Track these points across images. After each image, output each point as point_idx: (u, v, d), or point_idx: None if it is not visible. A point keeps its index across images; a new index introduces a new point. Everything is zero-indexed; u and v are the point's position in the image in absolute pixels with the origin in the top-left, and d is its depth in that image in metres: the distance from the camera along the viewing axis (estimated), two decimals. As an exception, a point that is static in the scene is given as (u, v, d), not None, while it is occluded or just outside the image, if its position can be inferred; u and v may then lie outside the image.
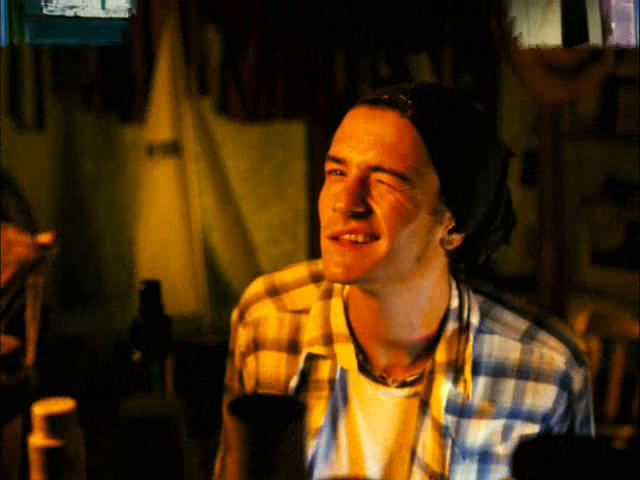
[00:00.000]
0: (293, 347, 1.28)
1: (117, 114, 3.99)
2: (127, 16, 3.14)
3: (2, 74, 3.70)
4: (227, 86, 4.06)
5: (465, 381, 1.20)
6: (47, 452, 0.97)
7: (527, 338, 1.22)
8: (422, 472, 1.21)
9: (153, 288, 0.92)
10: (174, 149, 3.85)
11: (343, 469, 1.25)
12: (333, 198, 1.13)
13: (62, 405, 0.99)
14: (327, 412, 1.24)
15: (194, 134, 3.98)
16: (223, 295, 4.21)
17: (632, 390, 2.90)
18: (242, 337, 1.32)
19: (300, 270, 1.32)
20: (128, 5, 3.05)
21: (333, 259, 1.13)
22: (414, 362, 1.23)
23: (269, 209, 4.45)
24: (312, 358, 1.25)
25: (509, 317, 1.24)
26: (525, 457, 0.65)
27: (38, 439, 0.98)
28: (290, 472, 0.71)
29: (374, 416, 1.24)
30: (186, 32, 3.89)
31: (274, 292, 1.31)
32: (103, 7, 3.00)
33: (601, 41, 2.92)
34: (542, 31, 2.92)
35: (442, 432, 1.20)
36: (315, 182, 4.37)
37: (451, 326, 1.21)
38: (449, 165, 1.12)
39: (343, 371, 1.24)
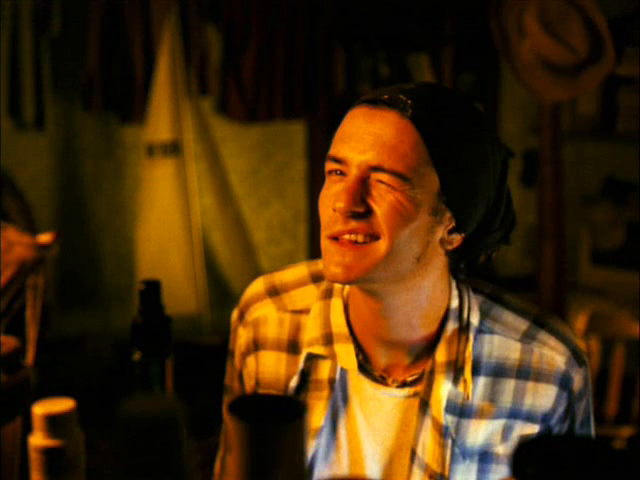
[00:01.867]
0: (293, 347, 1.28)
1: (117, 114, 3.99)
2: None
3: (2, 74, 3.70)
4: (227, 86, 4.06)
5: (465, 381, 1.20)
6: (47, 452, 0.97)
7: (527, 338, 1.22)
8: (422, 472, 1.21)
9: (153, 288, 0.92)
10: (174, 149, 3.85)
11: (343, 469, 1.25)
12: (333, 198, 1.13)
13: (62, 405, 0.99)
14: (327, 412, 1.24)
15: (194, 134, 3.99)
16: (223, 295, 4.21)
17: (632, 390, 2.90)
18: (242, 337, 1.32)
19: (300, 270, 1.32)
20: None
21: (333, 259, 1.13)
22: (414, 362, 1.23)
23: (269, 209, 4.45)
24: (312, 358, 1.25)
25: (509, 317, 1.24)
26: (525, 457, 0.65)
27: (38, 439, 0.98)
28: (290, 472, 0.71)
29: (374, 416, 1.24)
30: (186, 32, 3.89)
31: (274, 292, 1.31)
32: None
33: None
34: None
35: (442, 432, 1.20)
36: (315, 182, 4.37)
37: (451, 326, 1.21)
38: (449, 165, 1.12)
39: (343, 371, 1.24)
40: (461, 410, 1.21)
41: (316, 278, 1.30)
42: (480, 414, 1.21)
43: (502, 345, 1.22)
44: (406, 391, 1.23)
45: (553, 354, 1.22)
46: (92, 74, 3.85)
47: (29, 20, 3.76)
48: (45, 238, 1.71)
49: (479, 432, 1.21)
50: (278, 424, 0.70)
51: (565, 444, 0.68)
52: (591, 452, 0.65)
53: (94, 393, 3.58)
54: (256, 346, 1.30)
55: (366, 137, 1.12)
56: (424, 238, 1.13)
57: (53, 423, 0.97)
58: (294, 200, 4.48)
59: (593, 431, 1.28)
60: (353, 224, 1.12)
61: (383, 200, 1.11)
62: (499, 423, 1.21)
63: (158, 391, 0.90)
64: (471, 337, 1.21)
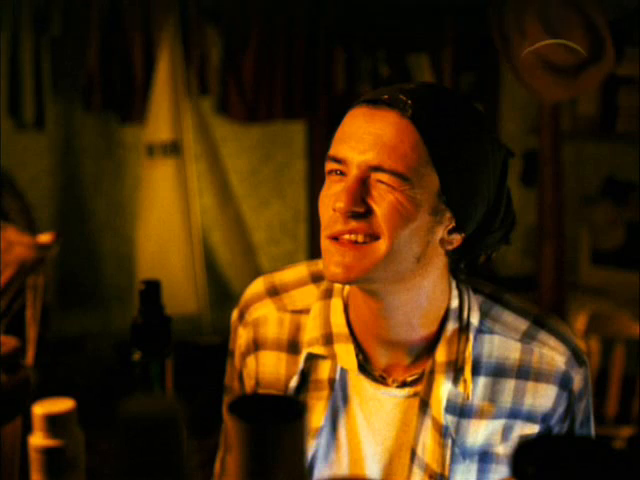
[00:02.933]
0: (293, 347, 1.28)
1: (117, 114, 3.99)
2: None
3: (2, 74, 3.70)
4: (227, 86, 4.06)
5: (465, 381, 1.20)
6: (47, 452, 0.97)
7: (527, 338, 1.22)
8: (422, 472, 1.21)
9: (153, 288, 0.92)
10: (174, 149, 3.85)
11: (343, 469, 1.25)
12: (333, 198, 1.13)
13: (62, 405, 0.99)
14: (327, 412, 1.24)
15: (194, 134, 3.99)
16: (223, 295, 4.21)
17: (632, 390, 2.90)
18: (242, 337, 1.32)
19: (300, 270, 1.32)
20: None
21: (333, 259, 1.13)
22: (414, 362, 1.23)
23: (269, 209, 4.45)
24: (312, 358, 1.25)
25: (509, 317, 1.24)
26: (525, 457, 0.65)
27: (38, 439, 0.98)
28: (290, 472, 0.71)
29: (374, 416, 1.24)
30: (186, 32, 3.89)
31: (274, 292, 1.31)
32: None
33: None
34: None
35: (442, 432, 1.20)
36: (315, 182, 4.37)
37: (451, 326, 1.21)
38: (449, 165, 1.12)
39: (343, 371, 1.24)
40: (461, 410, 1.21)
41: (316, 278, 1.30)
42: (480, 414, 1.21)
43: (502, 345, 1.22)
44: (406, 391, 1.23)
45: (553, 354, 1.22)
46: (92, 74, 3.85)
47: (29, 20, 3.76)
48: (45, 238, 1.71)
49: (479, 432, 1.21)
50: (278, 424, 0.70)
51: (565, 444, 0.68)
52: (591, 452, 0.65)
53: (94, 393, 3.58)
54: (256, 346, 1.30)
55: (366, 137, 1.12)
56: (424, 238, 1.13)
57: (53, 423, 0.97)
58: (294, 200, 4.48)
59: (593, 431, 1.28)
60: (353, 224, 1.12)
61: (383, 200, 1.11)
62: (499, 423, 1.21)
63: (158, 391, 0.90)
64: (471, 337, 1.21)
